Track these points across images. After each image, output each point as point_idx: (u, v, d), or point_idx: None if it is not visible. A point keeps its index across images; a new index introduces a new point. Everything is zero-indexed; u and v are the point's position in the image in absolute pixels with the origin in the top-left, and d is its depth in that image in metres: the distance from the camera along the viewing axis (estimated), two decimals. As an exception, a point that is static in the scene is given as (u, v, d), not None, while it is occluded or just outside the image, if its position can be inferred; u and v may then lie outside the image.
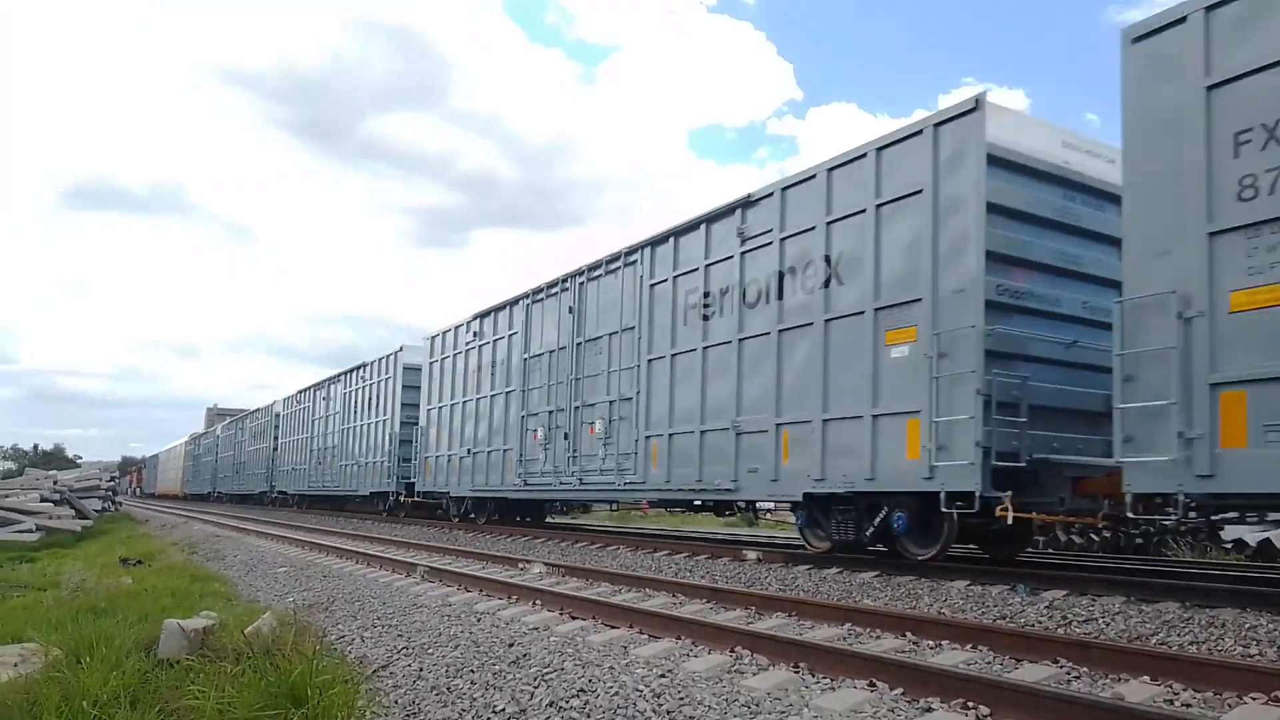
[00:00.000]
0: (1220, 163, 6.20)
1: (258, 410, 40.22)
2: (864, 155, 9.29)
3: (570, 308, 14.76)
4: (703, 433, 11.33)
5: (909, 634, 5.71)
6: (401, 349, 23.22)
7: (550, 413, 15.20)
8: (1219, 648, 5.34)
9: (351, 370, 26.77)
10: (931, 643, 5.51)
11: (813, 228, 9.85)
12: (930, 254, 8.51)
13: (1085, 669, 4.73)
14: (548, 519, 18.87)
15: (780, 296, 10.23)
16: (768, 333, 10.34)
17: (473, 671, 4.92)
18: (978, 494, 7.81)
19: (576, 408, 14.43)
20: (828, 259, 9.64)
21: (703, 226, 11.64)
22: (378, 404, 24.16)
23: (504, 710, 4.24)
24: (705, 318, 11.51)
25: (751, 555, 10.63)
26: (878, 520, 9.11)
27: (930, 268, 8.50)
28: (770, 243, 10.46)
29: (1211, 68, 6.29)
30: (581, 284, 14.55)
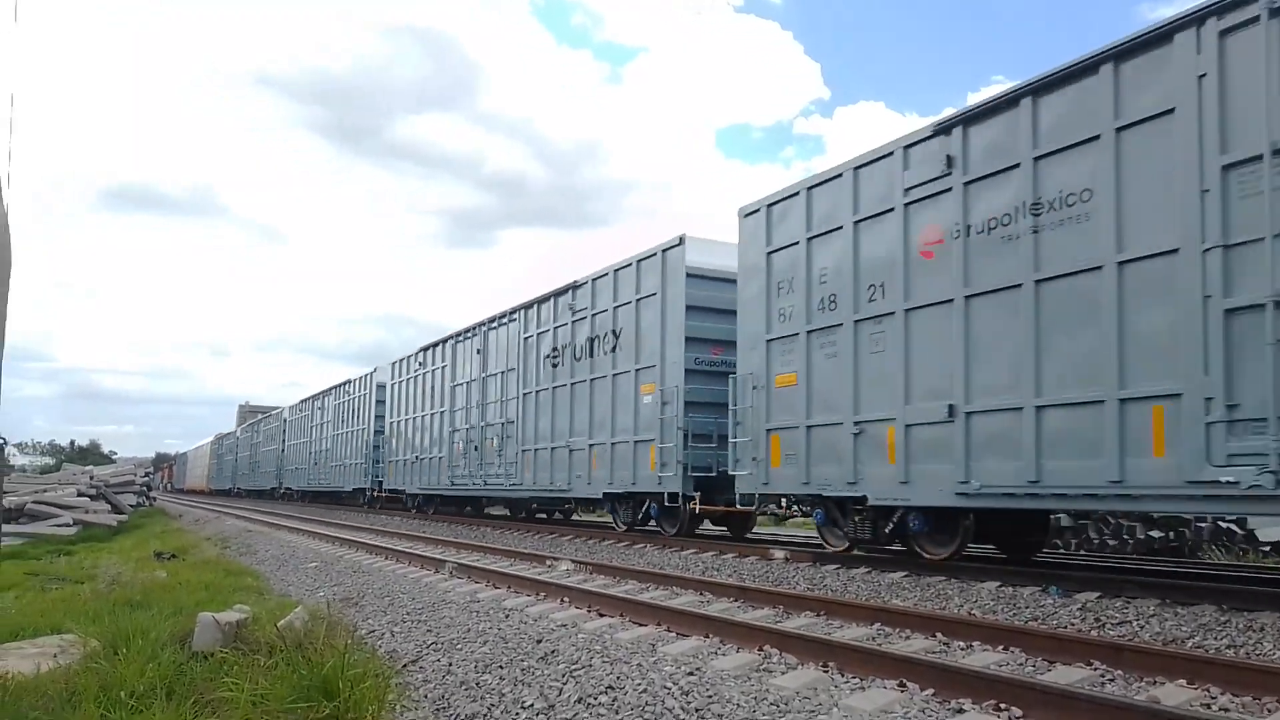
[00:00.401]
0: (771, 299, 10.51)
1: (270, 415, 45.16)
2: (631, 264, 13.70)
3: (478, 349, 19.11)
4: (552, 449, 15.62)
5: (939, 634, 5.67)
6: (375, 370, 27.69)
7: (467, 429, 19.42)
8: (1258, 651, 5.25)
9: (339, 385, 31.42)
10: (962, 644, 5.46)
11: (608, 310, 14.25)
12: (659, 336, 12.95)
13: (1120, 672, 4.67)
14: (573, 517, 20.79)
15: (591, 355, 14.68)
16: (581, 380, 14.80)
17: (502, 667, 4.94)
18: (681, 493, 12.34)
19: (482, 426, 18.70)
20: (615, 333, 14.09)
21: (551, 300, 16.08)
22: (357, 415, 28.87)
23: (533, 706, 4.25)
24: (554, 365, 15.81)
25: (779, 554, 10.60)
26: (644, 508, 13.55)
27: (659, 345, 12.93)
28: (585, 317, 14.88)
29: (770, 241, 10.59)
30: (486, 332, 18.86)
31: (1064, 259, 7.40)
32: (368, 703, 4.06)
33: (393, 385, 24.77)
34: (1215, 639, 5.56)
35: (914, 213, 8.82)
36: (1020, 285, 7.71)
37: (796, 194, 10.27)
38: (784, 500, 12.21)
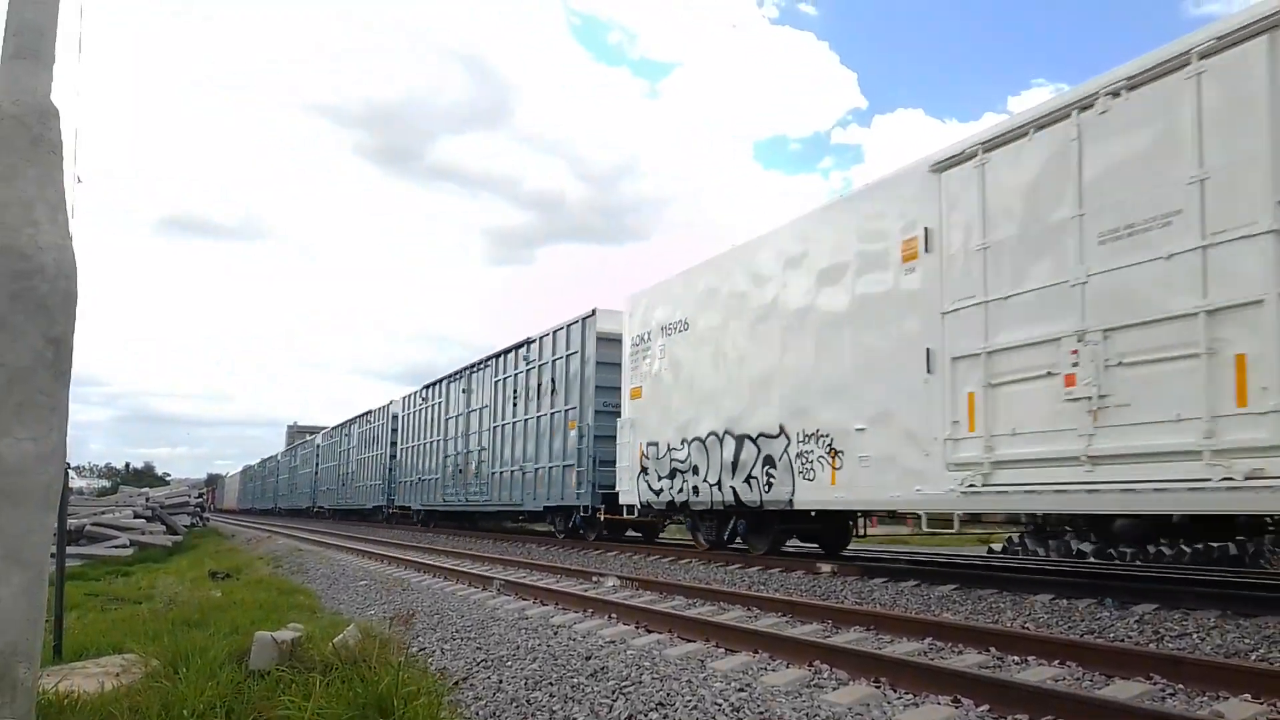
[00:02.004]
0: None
1: (304, 442, 50.90)
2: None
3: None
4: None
5: (993, 649, 5.58)
6: (391, 403, 32.46)
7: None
8: (1325, 665, 5.10)
9: (362, 415, 36.19)
10: (1016, 658, 5.38)
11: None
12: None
13: (1180, 686, 4.57)
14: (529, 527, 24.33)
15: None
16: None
17: (551, 684, 4.97)
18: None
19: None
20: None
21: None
22: (377, 441, 33.25)
23: (584, 723, 4.27)
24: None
25: (826, 568, 10.52)
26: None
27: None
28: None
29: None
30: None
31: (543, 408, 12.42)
32: (421, 719, 4.11)
33: (404, 416, 29.72)
34: (1280, 652, 5.42)
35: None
36: None
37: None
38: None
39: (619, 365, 15.45)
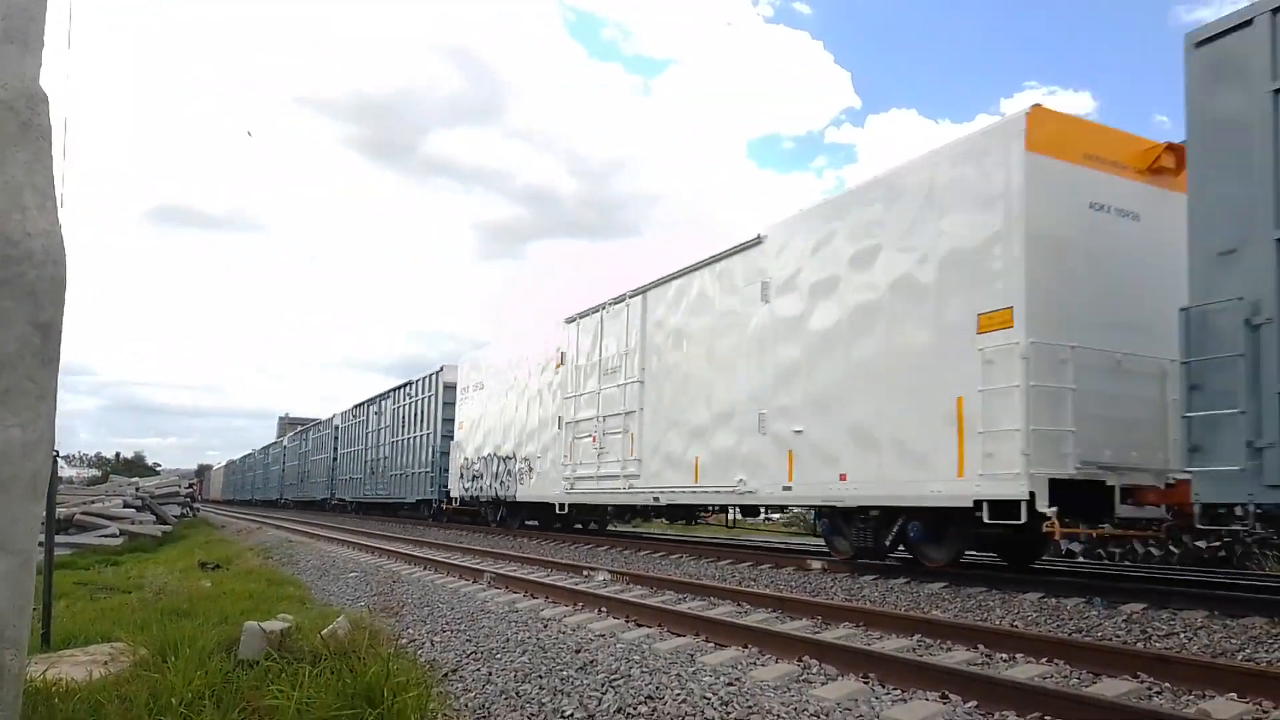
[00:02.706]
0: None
1: (274, 444, 58.69)
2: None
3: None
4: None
5: (981, 646, 5.60)
6: (334, 415, 39.23)
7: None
8: (1311, 665, 5.13)
9: (314, 424, 44.95)
10: (1005, 655, 5.40)
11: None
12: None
13: (1167, 684, 4.59)
14: (608, 527, 21.18)
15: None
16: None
17: (541, 677, 4.97)
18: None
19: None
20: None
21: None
22: (324, 447, 39.74)
23: (572, 715, 4.27)
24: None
25: (816, 564, 10.54)
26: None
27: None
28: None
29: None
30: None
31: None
32: (410, 711, 4.10)
33: (342, 427, 34.72)
34: (1266, 651, 5.44)
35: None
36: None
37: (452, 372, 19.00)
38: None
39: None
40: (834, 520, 10.60)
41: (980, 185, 8.50)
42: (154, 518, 20.71)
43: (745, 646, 5.60)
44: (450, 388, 24.07)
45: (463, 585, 9.52)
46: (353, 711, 4.02)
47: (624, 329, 14.97)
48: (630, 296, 14.90)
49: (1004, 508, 7.87)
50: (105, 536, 16.82)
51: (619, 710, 4.22)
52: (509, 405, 19.76)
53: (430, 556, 12.73)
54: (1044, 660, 5.20)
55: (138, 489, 23.94)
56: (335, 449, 37.65)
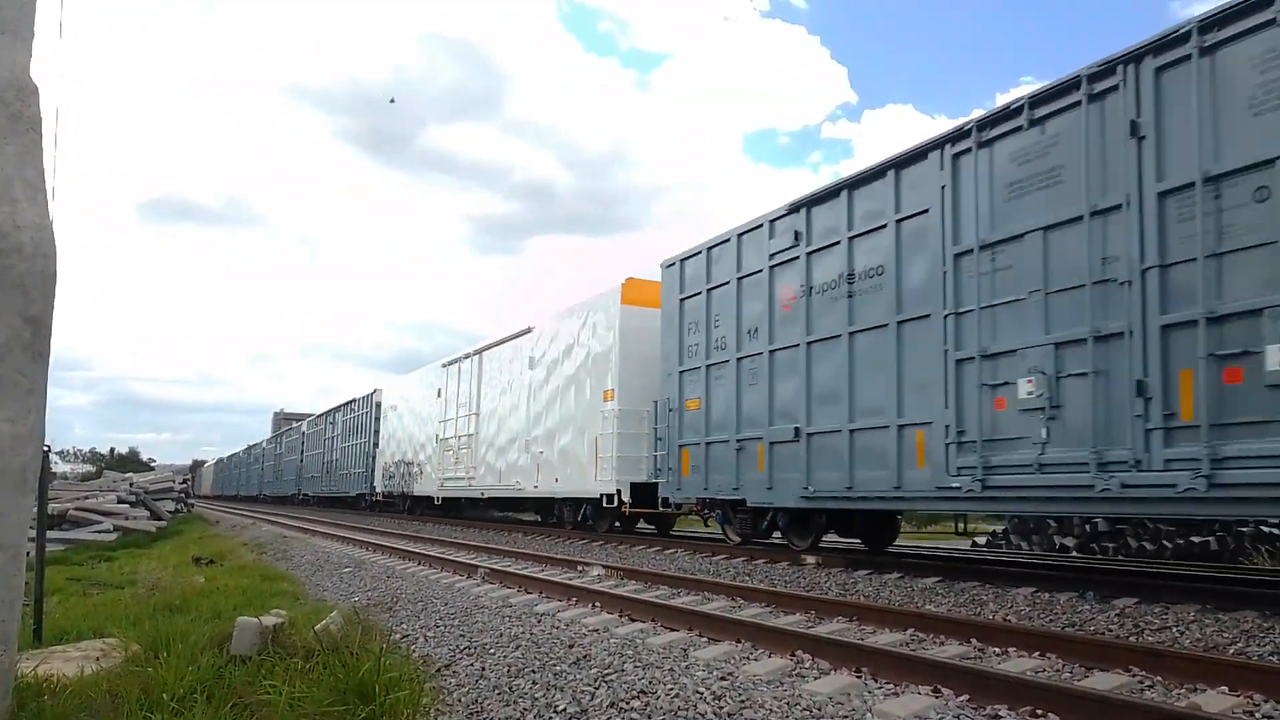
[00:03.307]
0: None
1: (255, 445, 64.54)
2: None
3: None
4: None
5: (974, 640, 5.61)
6: (304, 423, 46.55)
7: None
8: (1302, 658, 5.15)
9: (284, 431, 52.19)
10: (997, 649, 5.41)
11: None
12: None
13: (1159, 678, 4.60)
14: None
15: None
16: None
17: (534, 671, 4.97)
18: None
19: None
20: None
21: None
22: (293, 450, 46.32)
23: (566, 710, 4.27)
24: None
25: (811, 560, 10.55)
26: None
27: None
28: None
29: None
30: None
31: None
32: (403, 706, 4.10)
33: (308, 434, 38.89)
34: (1258, 645, 5.46)
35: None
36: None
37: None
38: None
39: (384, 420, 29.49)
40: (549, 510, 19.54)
41: (604, 320, 15.92)
42: (148, 513, 20.66)
43: (739, 641, 5.61)
44: (378, 405, 31.54)
45: (457, 580, 9.51)
46: (345, 707, 4.02)
47: (471, 377, 22.15)
48: (474, 354, 22.21)
49: (610, 498, 14.92)
50: (99, 532, 16.78)
51: (612, 704, 4.22)
52: (410, 424, 27.44)
53: (425, 552, 12.73)
54: (1037, 654, 5.21)
55: (132, 484, 23.89)
56: (302, 451, 44.71)
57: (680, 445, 12.75)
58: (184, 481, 36.95)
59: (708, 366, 12.17)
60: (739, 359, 11.50)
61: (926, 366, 8.68)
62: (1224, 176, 6.33)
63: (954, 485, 8.24)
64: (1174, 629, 6.01)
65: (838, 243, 9.99)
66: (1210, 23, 6.48)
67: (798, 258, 10.55)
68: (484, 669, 5.22)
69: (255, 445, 64.72)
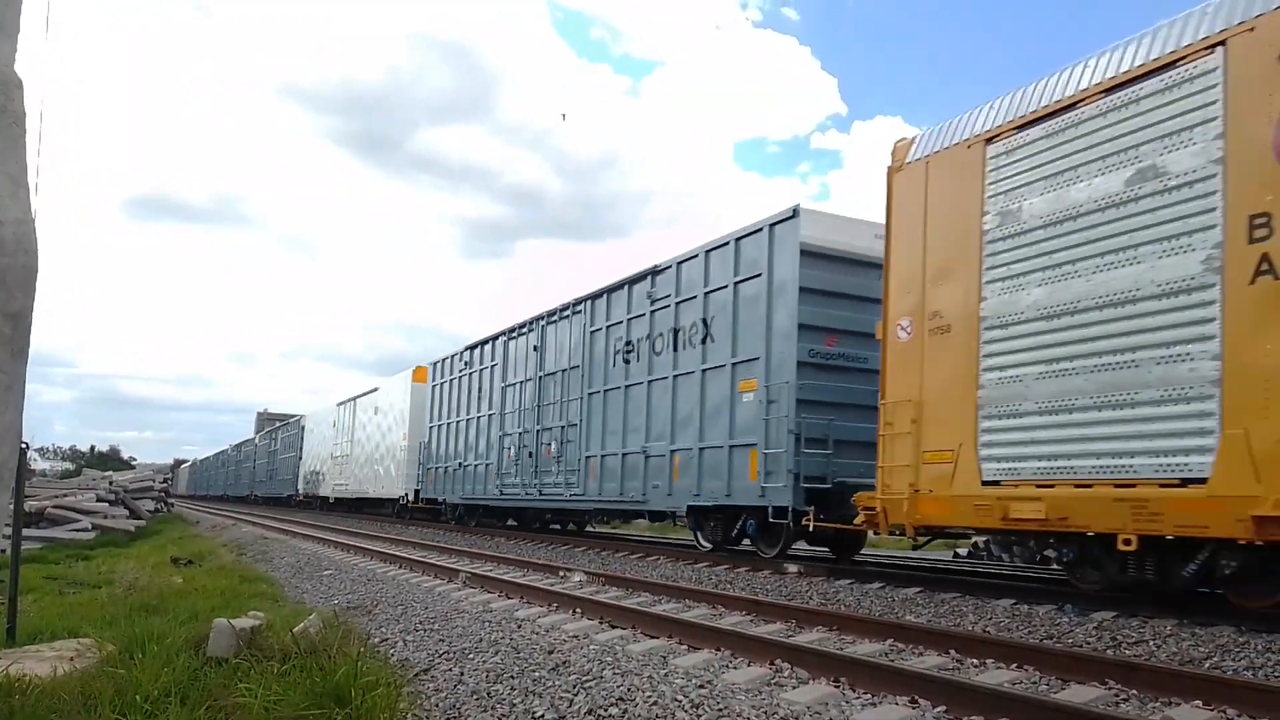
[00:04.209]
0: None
1: (229, 449, 68.06)
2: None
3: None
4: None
5: (953, 651, 5.63)
6: (256, 437, 55.55)
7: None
8: (1277, 673, 5.19)
9: (246, 441, 59.51)
10: (976, 661, 5.43)
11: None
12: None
13: (1134, 691, 4.63)
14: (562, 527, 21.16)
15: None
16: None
17: (513, 677, 4.95)
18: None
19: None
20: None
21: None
22: (247, 458, 55.21)
23: (543, 716, 4.26)
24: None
25: (793, 568, 10.56)
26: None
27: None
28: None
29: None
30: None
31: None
32: (379, 710, 4.08)
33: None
34: (1233, 660, 5.50)
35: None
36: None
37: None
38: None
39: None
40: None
41: (402, 390, 27.11)
42: (127, 512, 20.48)
43: (718, 649, 5.61)
44: (302, 428, 39.95)
45: (438, 584, 9.48)
46: (321, 710, 3.99)
47: (350, 415, 32.39)
48: (350, 401, 32.72)
49: (405, 497, 25.98)
50: (77, 531, 16.63)
51: (590, 712, 4.21)
52: (318, 445, 37.11)
53: (407, 555, 12.67)
54: (1014, 666, 5.24)
55: (111, 483, 23.69)
56: (254, 459, 50.96)
57: (425, 467, 24.13)
58: (164, 481, 36.65)
59: (443, 425, 23.22)
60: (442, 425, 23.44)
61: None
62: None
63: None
64: (1151, 642, 6.05)
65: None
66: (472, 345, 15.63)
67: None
68: (462, 674, 5.20)
69: (222, 452, 72.09)
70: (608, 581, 9.56)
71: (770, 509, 10.88)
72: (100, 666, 4.64)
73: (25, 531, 14.19)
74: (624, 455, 14.33)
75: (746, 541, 12.18)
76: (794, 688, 4.60)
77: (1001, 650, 5.50)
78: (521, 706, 4.45)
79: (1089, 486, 7.06)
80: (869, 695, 4.48)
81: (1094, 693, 4.58)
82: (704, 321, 12.60)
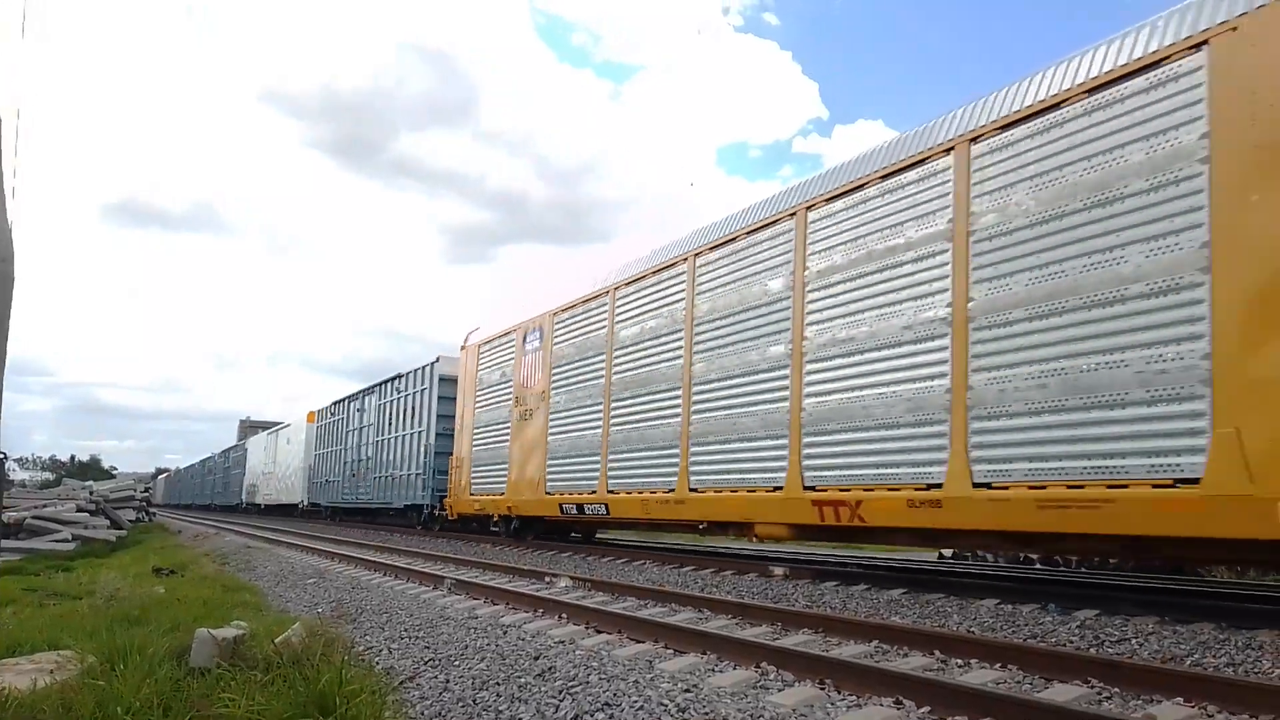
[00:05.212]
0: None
1: (191, 465, 78.10)
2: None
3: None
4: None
5: (937, 652, 5.65)
6: (212, 454, 66.52)
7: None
8: (1257, 669, 5.24)
9: (206, 458, 68.94)
10: (960, 661, 5.45)
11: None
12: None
13: (1117, 689, 4.66)
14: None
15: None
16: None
17: (498, 684, 4.94)
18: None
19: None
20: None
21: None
22: (211, 473, 63.62)
23: (529, 723, 4.25)
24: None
25: (778, 571, 10.59)
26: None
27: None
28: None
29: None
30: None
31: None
32: (364, 718, 4.06)
33: (317, 427, 36.23)
34: (1214, 656, 5.55)
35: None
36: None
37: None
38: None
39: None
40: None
41: (296, 433, 38.73)
42: (108, 522, 20.28)
43: (704, 653, 5.61)
44: (246, 450, 49.74)
45: (423, 591, 9.43)
46: (305, 718, 3.96)
47: (273, 441, 43.10)
48: (275, 431, 43.50)
49: (301, 503, 37.22)
50: (57, 541, 16.44)
51: (575, 717, 4.21)
52: (255, 463, 46.77)
53: (391, 562, 12.61)
54: (998, 665, 5.26)
55: (92, 492, 23.46)
56: (216, 474, 59.87)
57: (312, 481, 33.97)
58: (145, 490, 36.34)
59: (321, 453, 33.52)
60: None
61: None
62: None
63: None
64: (1133, 640, 6.10)
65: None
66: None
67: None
68: (448, 681, 5.18)
69: (191, 465, 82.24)
70: (594, 586, 9.55)
71: (425, 505, 22.64)
72: (81, 678, 4.59)
73: (4, 542, 14.05)
74: (390, 476, 25.61)
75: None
76: (779, 690, 4.60)
77: (985, 650, 5.52)
78: (507, 713, 4.44)
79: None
80: (854, 696, 4.49)
81: (1077, 691, 4.61)
82: (412, 408, 24.46)
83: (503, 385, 17.62)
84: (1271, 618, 6.46)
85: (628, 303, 13.60)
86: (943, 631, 6.37)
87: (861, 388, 9.18)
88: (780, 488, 10.00)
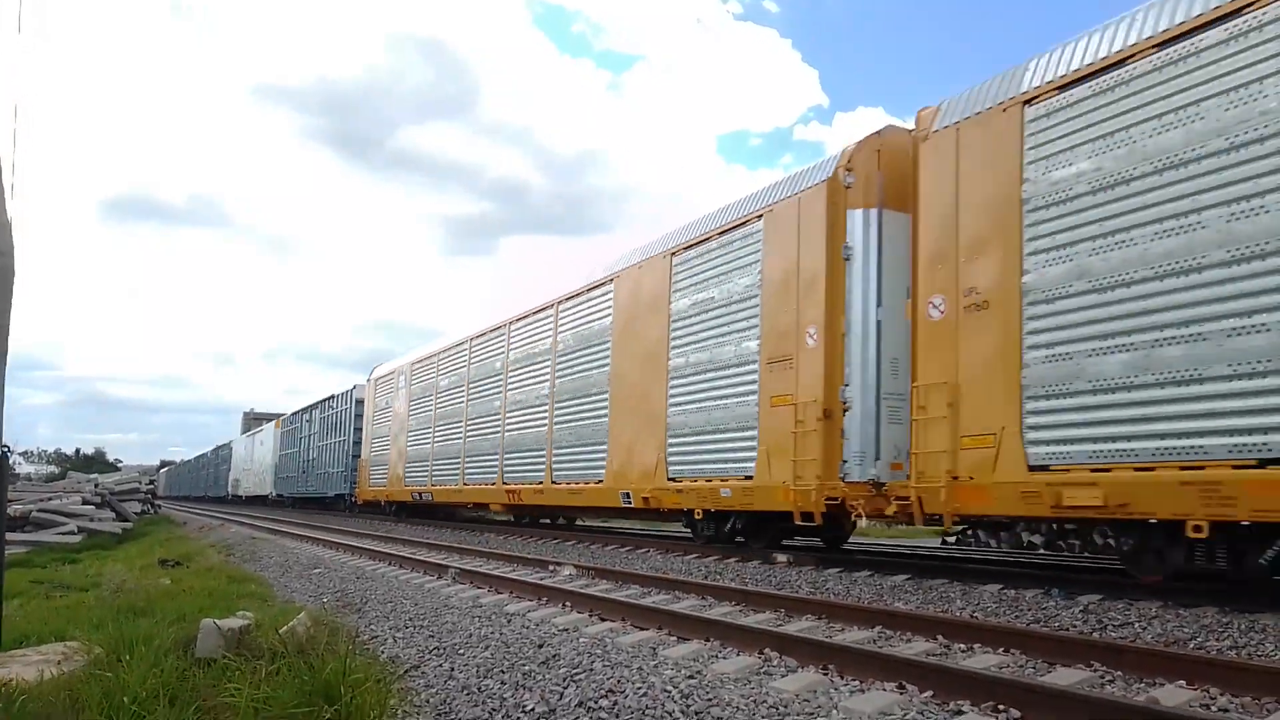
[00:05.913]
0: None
1: (187, 460, 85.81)
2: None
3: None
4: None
5: (940, 637, 5.67)
6: (205, 452, 73.54)
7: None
8: (1259, 652, 5.25)
9: (199, 455, 75.09)
10: (963, 646, 5.47)
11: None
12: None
13: (1120, 673, 4.68)
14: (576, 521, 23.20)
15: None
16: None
17: (503, 672, 4.96)
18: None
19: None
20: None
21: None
22: (205, 467, 68.71)
23: (534, 710, 4.27)
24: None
25: (782, 558, 10.60)
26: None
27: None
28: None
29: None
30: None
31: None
32: (369, 707, 4.08)
33: (282, 432, 42.48)
34: (1217, 640, 5.56)
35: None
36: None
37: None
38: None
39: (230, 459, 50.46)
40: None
41: (271, 433, 44.76)
42: (113, 515, 20.36)
43: (708, 640, 5.63)
44: (231, 448, 56.05)
45: (427, 581, 9.47)
46: (310, 709, 3.98)
47: (256, 439, 49.94)
48: (253, 433, 51.31)
49: (270, 494, 45.15)
50: (63, 534, 16.51)
51: (580, 704, 4.22)
52: (238, 460, 52.44)
53: (395, 552, 12.65)
54: (1001, 650, 5.28)
55: (97, 485, 23.55)
56: (209, 467, 64.53)
57: (278, 475, 41.51)
58: (150, 482, 36.45)
59: (284, 453, 40.68)
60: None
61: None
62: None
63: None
64: (1136, 624, 6.11)
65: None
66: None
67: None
68: (453, 669, 5.21)
69: (188, 460, 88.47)
70: (598, 575, 9.57)
71: (346, 494, 29.21)
72: (87, 669, 4.62)
73: (10, 535, 14.09)
74: (325, 473, 32.57)
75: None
76: (783, 676, 4.62)
77: (988, 635, 5.54)
78: (512, 700, 4.46)
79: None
80: (857, 682, 4.51)
81: (1080, 675, 4.62)
82: (340, 423, 30.94)
83: (388, 410, 25.53)
84: (1273, 602, 6.46)
85: (471, 351, 20.34)
86: (945, 617, 6.39)
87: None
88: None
